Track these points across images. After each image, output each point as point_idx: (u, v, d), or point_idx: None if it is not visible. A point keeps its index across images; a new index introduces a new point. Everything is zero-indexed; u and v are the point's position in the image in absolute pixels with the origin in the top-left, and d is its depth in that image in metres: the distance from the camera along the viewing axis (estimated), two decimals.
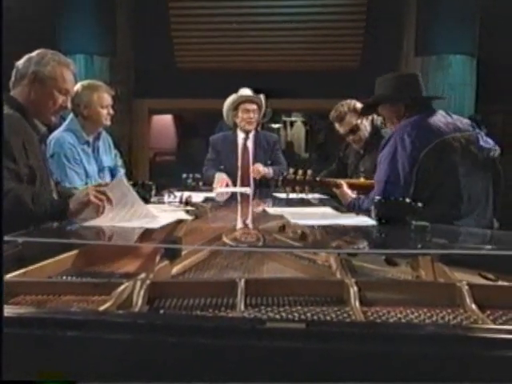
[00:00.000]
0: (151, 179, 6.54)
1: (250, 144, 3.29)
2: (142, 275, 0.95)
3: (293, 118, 8.62)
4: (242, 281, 0.92)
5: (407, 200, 1.31)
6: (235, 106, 3.22)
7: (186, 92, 5.63)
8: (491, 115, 5.76)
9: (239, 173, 3.19)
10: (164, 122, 8.17)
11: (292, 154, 8.20)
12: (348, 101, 2.69)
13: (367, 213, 1.79)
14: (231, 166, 3.21)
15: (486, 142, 1.95)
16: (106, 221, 1.44)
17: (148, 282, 0.89)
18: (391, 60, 5.30)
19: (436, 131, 1.87)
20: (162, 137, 8.00)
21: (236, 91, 3.33)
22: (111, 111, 2.46)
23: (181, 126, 8.40)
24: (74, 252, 1.08)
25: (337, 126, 2.73)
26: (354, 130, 2.65)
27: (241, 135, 3.28)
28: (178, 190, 2.59)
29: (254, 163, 3.16)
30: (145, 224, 1.37)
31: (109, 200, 1.46)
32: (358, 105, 2.65)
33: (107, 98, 2.44)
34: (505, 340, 0.61)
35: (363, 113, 2.49)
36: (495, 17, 4.68)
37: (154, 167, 6.89)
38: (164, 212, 1.67)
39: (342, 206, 2.10)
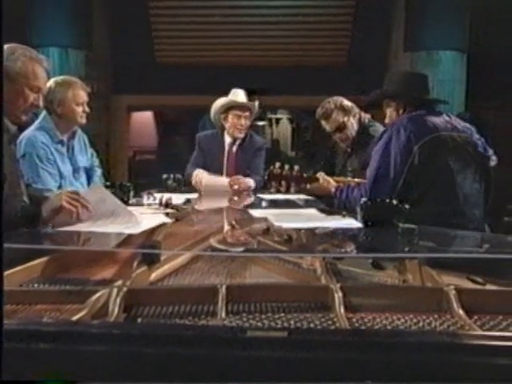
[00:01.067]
0: (130, 179, 6.56)
1: (235, 150, 3.18)
2: (119, 282, 0.95)
3: (279, 115, 8.65)
4: (224, 287, 0.92)
5: (394, 202, 1.33)
6: (225, 110, 3.10)
7: (166, 88, 5.61)
8: (482, 112, 5.86)
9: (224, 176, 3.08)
10: (144, 119, 8.13)
11: (278, 152, 8.24)
12: (335, 98, 2.72)
13: (354, 207, 1.82)
14: (216, 168, 3.11)
15: (485, 149, 2.01)
16: (83, 228, 1.41)
17: (125, 289, 0.89)
18: (379, 56, 5.36)
19: (433, 127, 1.93)
20: (142, 135, 7.97)
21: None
22: (87, 109, 2.43)
23: (161, 124, 8.37)
24: (46, 258, 1.07)
25: (323, 123, 2.75)
26: (341, 128, 2.68)
27: (227, 139, 3.17)
28: (158, 192, 2.58)
29: (237, 170, 3.06)
30: (124, 229, 1.35)
31: (84, 206, 1.42)
32: (346, 102, 2.68)
33: (82, 95, 2.42)
34: (491, 347, 0.62)
35: (368, 107, 2.56)
36: (485, 12, 4.76)
37: (133, 167, 6.86)
38: (142, 215, 1.66)
39: (327, 207, 2.12)
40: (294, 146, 8.54)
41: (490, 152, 2.03)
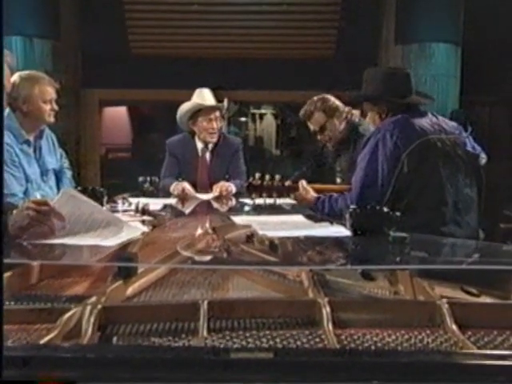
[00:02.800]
0: (103, 180, 6.51)
1: (208, 156, 3.14)
2: (92, 299, 0.95)
3: (262, 111, 8.67)
4: (205, 302, 0.93)
5: (385, 209, 1.36)
6: (192, 114, 3.03)
7: (142, 81, 5.58)
8: (477, 107, 5.96)
9: (198, 186, 3.01)
10: (117, 114, 8.07)
11: (261, 150, 8.27)
12: (316, 98, 2.76)
13: (340, 217, 1.84)
14: (190, 176, 3.05)
15: (474, 147, 2.03)
16: (60, 237, 1.35)
17: (99, 306, 0.89)
18: (369, 49, 5.41)
19: (420, 131, 1.94)
20: (115, 132, 7.93)
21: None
22: (55, 106, 2.41)
23: (136, 120, 8.33)
24: (10, 273, 1.05)
25: (308, 123, 2.81)
26: (323, 129, 2.73)
27: (199, 145, 3.12)
28: (134, 196, 2.57)
29: (210, 178, 3.01)
30: (100, 241, 1.32)
31: (57, 216, 1.35)
32: (329, 103, 2.72)
33: (50, 92, 2.40)
34: (485, 366, 0.64)
35: (353, 104, 2.59)
36: (480, 3, 4.84)
37: (106, 166, 6.81)
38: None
39: (315, 212, 2.14)
40: (278, 144, 8.56)
41: (479, 149, 2.06)
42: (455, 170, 1.97)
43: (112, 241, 1.34)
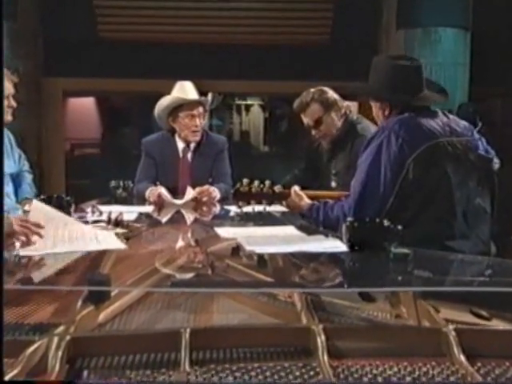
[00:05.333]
0: (68, 180, 6.47)
1: (190, 157, 3.12)
2: (60, 328, 0.95)
3: (248, 102, 8.68)
4: (187, 331, 0.94)
5: (385, 222, 1.37)
6: (173, 110, 3.02)
7: (111, 69, 5.56)
8: (488, 99, 6.02)
9: (179, 190, 2.98)
10: (84, 106, 8.04)
11: (248, 146, 8.27)
12: (314, 89, 2.77)
13: (334, 226, 1.85)
14: (169, 179, 3.03)
15: (487, 150, 2.05)
16: (45, 248, 1.47)
17: (67, 337, 0.90)
18: (368, 34, 5.44)
19: (428, 132, 1.95)
20: (82, 125, 7.89)
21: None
22: (13, 103, 2.40)
23: (106, 112, 8.30)
24: None
25: (302, 116, 2.80)
26: (318, 123, 2.73)
27: (180, 144, 3.11)
28: (105, 203, 2.56)
29: (192, 181, 2.98)
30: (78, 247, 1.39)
31: (37, 225, 1.47)
32: (328, 95, 2.72)
33: (8, 87, 2.38)
34: None
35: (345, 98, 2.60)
36: None
37: (71, 164, 6.76)
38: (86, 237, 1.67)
39: (308, 219, 2.16)
40: (266, 140, 8.58)
41: (492, 153, 2.07)
42: (466, 176, 1.97)
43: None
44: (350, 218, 1.44)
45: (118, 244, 1.59)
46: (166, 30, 5.75)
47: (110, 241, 1.61)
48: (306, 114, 2.77)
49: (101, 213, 2.07)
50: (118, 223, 1.81)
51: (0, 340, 0.66)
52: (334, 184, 2.75)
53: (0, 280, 0.67)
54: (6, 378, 0.78)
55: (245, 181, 2.06)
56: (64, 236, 1.57)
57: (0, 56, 0.68)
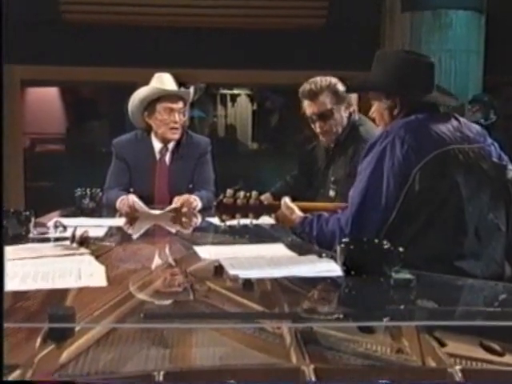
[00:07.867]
0: (27, 181, 6.43)
1: (168, 159, 3.10)
2: (16, 372, 0.96)
3: (235, 91, 8.66)
4: (161, 374, 0.95)
5: (385, 244, 1.38)
6: (150, 103, 2.99)
7: (76, 56, 5.55)
8: (504, 88, 6.07)
9: (156, 198, 2.99)
10: (45, 97, 8.01)
11: (234, 143, 8.24)
12: (326, 77, 2.74)
13: (330, 242, 1.86)
14: (144, 186, 3.00)
15: (500, 156, 2.06)
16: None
17: None
18: (369, 17, 5.45)
19: (438, 138, 1.95)
20: (44, 118, 7.86)
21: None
22: None
23: (72, 104, 8.28)
24: None
25: (305, 104, 2.75)
26: (326, 115, 2.70)
27: (157, 144, 3.08)
28: (70, 215, 2.55)
29: (170, 187, 3.00)
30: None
31: None
32: (340, 87, 2.70)
33: None
34: None
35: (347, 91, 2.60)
36: None
37: (31, 162, 6.73)
38: (48, 260, 1.68)
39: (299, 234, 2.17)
40: (255, 135, 8.57)
41: (506, 159, 2.08)
42: (479, 189, 1.97)
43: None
44: (345, 240, 1.45)
45: (101, 281, 1.53)
46: (140, 11, 5.73)
47: (94, 277, 1.55)
48: (313, 103, 2.72)
49: (65, 228, 2.06)
50: (82, 241, 1.80)
51: (0, 340, 0.73)
52: (332, 193, 2.69)
53: (0, 280, 0.74)
54: None
55: (229, 191, 2.05)
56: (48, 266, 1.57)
57: (0, 56, 0.74)
